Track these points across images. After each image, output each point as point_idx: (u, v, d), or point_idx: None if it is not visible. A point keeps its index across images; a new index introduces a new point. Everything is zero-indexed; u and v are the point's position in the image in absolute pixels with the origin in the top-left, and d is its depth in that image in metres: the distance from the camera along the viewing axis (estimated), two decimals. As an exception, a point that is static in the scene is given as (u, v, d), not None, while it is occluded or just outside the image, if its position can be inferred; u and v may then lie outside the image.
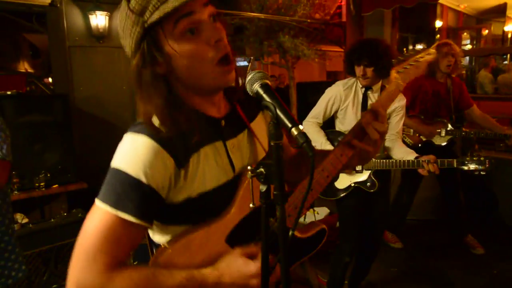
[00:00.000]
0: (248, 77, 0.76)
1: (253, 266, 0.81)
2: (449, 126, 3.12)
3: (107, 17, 3.53)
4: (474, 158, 2.13)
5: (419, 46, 8.69)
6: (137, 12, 0.76)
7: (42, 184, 2.97)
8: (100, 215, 0.78)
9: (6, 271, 1.48)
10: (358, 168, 2.25)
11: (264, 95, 0.71)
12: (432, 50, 1.11)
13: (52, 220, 2.91)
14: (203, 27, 0.79)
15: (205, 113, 0.90)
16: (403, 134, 3.16)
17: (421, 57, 1.08)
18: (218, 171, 0.90)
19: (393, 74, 1.05)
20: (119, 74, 3.75)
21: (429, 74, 3.16)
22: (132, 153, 0.80)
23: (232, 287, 0.84)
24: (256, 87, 0.73)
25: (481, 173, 2.11)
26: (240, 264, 0.82)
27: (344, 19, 5.50)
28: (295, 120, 0.65)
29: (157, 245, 0.94)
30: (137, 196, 0.78)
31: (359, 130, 0.97)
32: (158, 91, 0.82)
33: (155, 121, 0.84)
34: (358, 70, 2.18)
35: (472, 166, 2.12)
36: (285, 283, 0.70)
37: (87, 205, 3.18)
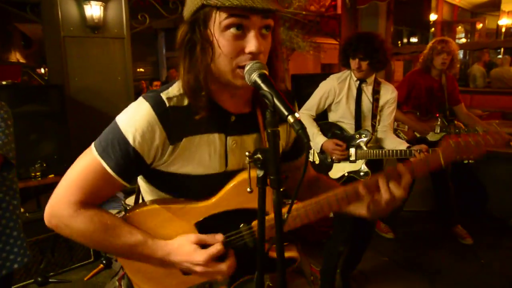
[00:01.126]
0: (247, 67, 0.79)
1: (201, 256, 0.86)
2: (443, 123, 3.16)
3: (102, 7, 3.51)
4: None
5: (413, 39, 8.72)
6: None
7: (38, 174, 2.98)
8: (88, 156, 0.88)
9: (12, 255, 1.51)
10: (352, 157, 2.29)
11: (262, 85, 0.74)
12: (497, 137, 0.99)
13: (48, 210, 2.93)
14: (247, 34, 0.81)
15: (218, 103, 0.92)
16: (397, 130, 3.21)
17: (487, 140, 0.99)
18: (210, 161, 0.92)
19: (448, 142, 0.98)
20: (114, 65, 3.73)
21: (424, 70, 3.19)
22: (132, 115, 0.86)
23: (178, 266, 0.90)
24: (254, 76, 0.76)
25: (470, 161, 2.16)
26: (190, 250, 0.87)
27: (339, 11, 5.51)
28: (291, 108, 0.68)
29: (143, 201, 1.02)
30: (121, 153, 0.85)
31: (373, 183, 0.93)
32: (190, 59, 0.85)
33: (172, 90, 0.89)
34: (353, 63, 2.21)
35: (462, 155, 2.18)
36: (281, 269, 0.74)
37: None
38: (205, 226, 0.93)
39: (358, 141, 2.30)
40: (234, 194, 0.92)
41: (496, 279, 2.82)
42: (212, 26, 0.81)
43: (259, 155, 0.73)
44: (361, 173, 2.29)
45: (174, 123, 0.87)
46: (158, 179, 0.94)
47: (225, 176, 0.94)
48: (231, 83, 0.86)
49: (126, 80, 3.82)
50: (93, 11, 3.46)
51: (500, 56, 8.22)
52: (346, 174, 2.32)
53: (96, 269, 3.00)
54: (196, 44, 0.83)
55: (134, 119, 0.85)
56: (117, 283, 2.80)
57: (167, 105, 0.87)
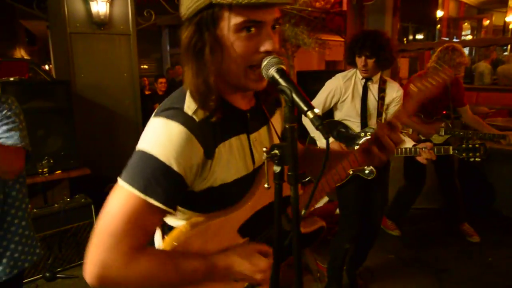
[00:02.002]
0: (264, 62, 0.77)
1: (264, 263, 0.87)
2: (448, 125, 3.15)
3: (108, 4, 3.50)
4: (470, 146, 2.17)
5: (419, 36, 8.66)
6: None
7: (45, 170, 3.00)
8: (126, 197, 0.77)
9: (23, 255, 1.52)
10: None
11: (280, 80, 0.73)
12: (449, 71, 1.11)
13: (56, 205, 2.95)
14: (261, 33, 0.78)
15: (233, 104, 0.90)
16: (402, 133, 3.19)
17: (442, 77, 1.09)
18: (241, 163, 0.91)
19: (412, 88, 1.09)
20: (120, 61, 3.74)
21: None
22: (165, 139, 0.78)
23: (237, 276, 0.87)
24: (272, 71, 0.75)
25: (476, 159, 2.15)
26: (254, 258, 0.87)
27: (344, 8, 5.48)
28: (310, 103, 0.68)
29: (170, 227, 0.95)
30: (168, 183, 0.78)
31: (375, 140, 1.03)
32: (199, 64, 0.81)
33: (190, 104, 0.84)
34: (359, 61, 2.20)
35: (468, 153, 2.16)
36: (297, 264, 0.73)
37: (90, 191, 3.25)
38: (247, 228, 0.93)
39: (363, 139, 2.28)
40: (264, 190, 0.87)
41: (504, 277, 2.80)
42: (224, 26, 0.77)
43: (276, 151, 0.72)
44: (366, 171, 2.28)
45: (206, 136, 0.83)
46: (192, 200, 0.90)
47: (253, 175, 0.94)
48: (243, 86, 0.84)
49: (132, 76, 3.82)
50: (99, 7, 3.46)
51: (506, 53, 8.16)
52: (351, 172, 2.31)
53: (103, 264, 3.01)
54: (204, 47, 0.78)
55: (171, 143, 0.78)
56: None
57: (197, 120, 0.82)
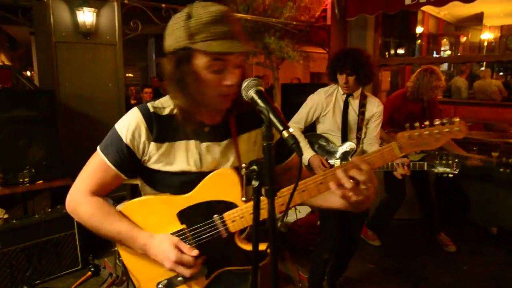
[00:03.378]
0: (244, 84, 0.84)
1: (174, 256, 1.00)
2: None
3: (94, 14, 3.52)
4: (443, 162, 2.26)
5: (400, 51, 8.92)
6: (191, 31, 0.92)
7: (26, 179, 2.95)
8: (95, 156, 1.10)
9: None
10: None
11: (259, 101, 0.79)
12: (456, 129, 1.00)
13: (36, 216, 2.90)
14: (227, 71, 0.97)
15: (197, 117, 1.08)
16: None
17: (445, 131, 1.00)
18: (187, 161, 1.08)
19: (402, 137, 1.02)
20: (106, 71, 3.74)
21: (411, 97, 3.27)
22: (125, 119, 1.09)
23: (153, 258, 1.04)
24: (251, 93, 0.81)
25: (449, 175, 2.25)
26: (170, 249, 1.01)
27: (328, 22, 5.61)
28: (286, 123, 0.73)
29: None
30: (117, 148, 1.06)
31: (333, 175, 0.97)
32: (179, 89, 1.01)
33: (157, 103, 1.10)
34: (341, 78, 2.29)
35: (441, 169, 2.26)
36: (273, 277, 0.78)
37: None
38: (184, 215, 1.08)
39: (342, 153, 2.36)
40: (208, 187, 1.06)
41: (478, 284, 2.91)
42: (196, 63, 0.96)
43: (254, 167, 0.77)
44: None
45: (157, 126, 1.06)
46: (148, 175, 1.12)
47: (201, 176, 1.08)
48: (216, 106, 1.04)
49: (118, 86, 3.83)
50: (86, 17, 3.48)
51: (482, 69, 8.49)
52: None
53: (84, 276, 2.97)
54: (184, 76, 0.97)
55: (127, 121, 1.07)
56: (105, 290, 2.79)
57: (151, 111, 1.08)
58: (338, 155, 2.35)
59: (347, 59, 2.21)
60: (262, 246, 1.03)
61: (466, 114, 6.39)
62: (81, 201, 1.08)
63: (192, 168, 1.08)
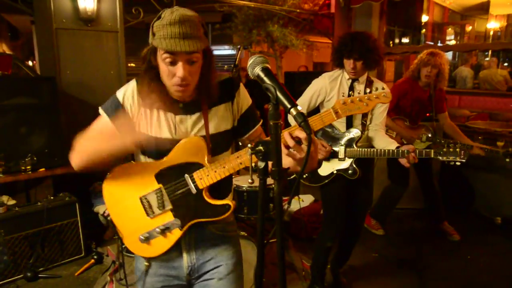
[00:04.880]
0: (250, 61, 0.80)
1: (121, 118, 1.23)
2: (430, 132, 3.23)
3: (95, 0, 3.47)
4: (451, 149, 2.22)
5: (405, 40, 8.80)
6: (154, 31, 1.12)
7: (28, 167, 2.94)
8: (99, 118, 1.27)
9: None
10: (341, 156, 2.32)
11: (265, 78, 0.76)
12: (383, 95, 1.19)
13: (39, 204, 2.90)
14: (176, 65, 1.13)
15: (172, 96, 1.24)
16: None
17: (374, 97, 1.17)
18: (164, 129, 1.24)
19: (338, 103, 1.17)
20: (108, 59, 3.69)
21: (412, 79, 3.23)
22: (124, 86, 1.28)
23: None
24: (257, 70, 0.78)
25: (457, 163, 2.21)
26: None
27: (332, 10, 5.53)
28: (294, 101, 0.70)
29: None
30: (115, 107, 1.24)
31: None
32: (149, 76, 1.21)
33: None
34: (348, 63, 2.23)
35: (448, 157, 2.22)
36: (280, 258, 0.75)
37: (74, 189, 3.18)
38: (161, 176, 1.25)
39: (347, 139, 2.32)
40: (180, 152, 1.23)
41: (482, 274, 2.90)
42: (158, 56, 1.16)
43: (260, 147, 0.75)
44: (350, 171, 2.32)
45: (146, 93, 1.21)
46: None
47: (175, 142, 1.24)
48: (173, 94, 1.21)
49: (119, 74, 3.79)
50: (86, 3, 3.42)
51: (487, 59, 8.38)
52: (335, 172, 2.34)
53: (87, 264, 2.98)
54: (152, 65, 1.18)
55: (124, 88, 1.27)
56: (108, 278, 2.79)
57: (145, 81, 1.23)
58: (343, 141, 2.32)
59: (354, 43, 2.15)
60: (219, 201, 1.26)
61: (471, 104, 6.32)
62: (80, 144, 1.24)
63: (167, 135, 1.24)
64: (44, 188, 3.66)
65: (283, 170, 0.73)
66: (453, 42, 9.27)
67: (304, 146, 1.01)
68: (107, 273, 2.87)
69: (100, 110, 1.27)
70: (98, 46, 3.62)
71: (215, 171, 1.19)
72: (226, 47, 8.54)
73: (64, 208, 2.99)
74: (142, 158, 1.31)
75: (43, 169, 3.04)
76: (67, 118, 3.34)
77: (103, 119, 1.25)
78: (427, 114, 3.37)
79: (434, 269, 2.97)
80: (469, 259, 3.11)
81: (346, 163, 2.32)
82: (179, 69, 1.12)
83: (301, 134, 0.99)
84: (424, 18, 8.46)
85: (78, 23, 3.48)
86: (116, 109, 1.23)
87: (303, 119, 0.67)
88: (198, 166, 1.22)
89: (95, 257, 3.03)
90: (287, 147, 1.02)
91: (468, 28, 9.49)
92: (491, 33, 8.97)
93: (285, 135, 1.02)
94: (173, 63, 1.12)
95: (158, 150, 1.24)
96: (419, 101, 3.25)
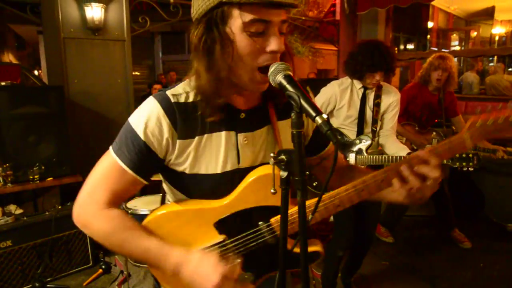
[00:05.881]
0: (272, 69, 0.78)
1: (216, 281, 0.81)
2: (440, 136, 3.19)
3: (103, 9, 3.49)
4: (463, 155, 2.18)
5: (410, 46, 8.81)
6: None
7: (36, 176, 2.94)
8: (107, 157, 0.92)
9: None
10: (351, 163, 2.30)
11: (288, 86, 0.74)
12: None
13: (47, 213, 2.89)
14: (268, 33, 0.81)
15: (228, 102, 0.91)
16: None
17: None
18: (222, 159, 0.92)
19: (472, 121, 0.88)
20: (115, 67, 3.71)
21: (422, 84, 3.22)
22: (141, 111, 0.90)
23: (186, 280, 0.85)
24: (279, 78, 0.76)
25: (469, 169, 2.17)
26: (211, 272, 0.82)
27: (338, 17, 5.54)
28: (318, 109, 0.68)
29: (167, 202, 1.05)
30: (134, 149, 0.88)
31: (395, 169, 0.89)
32: (207, 61, 0.84)
33: (175, 89, 0.92)
34: (373, 76, 2.14)
35: (461, 163, 2.18)
36: (303, 271, 0.73)
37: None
38: (224, 225, 0.94)
39: (358, 147, 2.30)
40: (251, 192, 0.93)
41: (495, 282, 2.83)
42: (232, 24, 0.80)
43: (283, 157, 0.73)
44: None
45: (181, 119, 0.88)
46: (173, 178, 0.96)
47: (239, 174, 0.94)
48: (244, 85, 0.87)
49: (126, 83, 3.80)
50: (94, 12, 3.45)
51: (492, 64, 8.35)
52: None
53: (95, 274, 2.96)
54: (214, 43, 0.81)
55: (143, 115, 0.89)
56: (117, 287, 2.77)
57: (172, 101, 0.89)
58: (354, 149, 2.30)
59: (380, 56, 2.07)
60: (313, 247, 0.97)
61: (478, 110, 6.28)
62: (95, 215, 0.90)
63: (228, 167, 0.92)
64: (51, 197, 3.65)
65: (307, 180, 0.71)
66: (457, 48, 9.26)
67: (430, 183, 0.84)
68: (115, 283, 2.85)
69: (113, 155, 0.90)
70: (105, 55, 3.64)
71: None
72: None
73: (71, 217, 2.97)
74: (182, 195, 0.97)
75: (51, 178, 3.04)
76: (75, 127, 3.36)
77: (116, 165, 0.89)
78: (436, 120, 3.35)
79: (446, 278, 2.91)
80: (481, 267, 3.05)
81: (356, 171, 2.30)
82: (274, 39, 0.80)
83: (432, 173, 0.82)
84: (430, 24, 8.47)
85: (85, 32, 3.51)
86: (138, 151, 0.88)
87: (329, 128, 0.65)
88: (275, 209, 0.91)
89: (103, 267, 3.01)
90: (404, 181, 0.84)
91: (473, 34, 9.49)
92: (496, 38, 8.96)
93: (404, 170, 0.84)
94: (260, 33, 0.80)
95: (213, 190, 0.93)
96: (428, 106, 3.22)
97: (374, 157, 2.25)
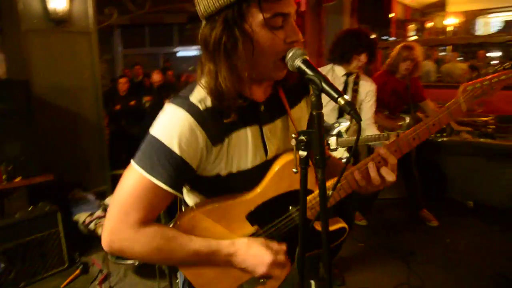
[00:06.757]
0: (290, 54, 0.81)
1: (270, 258, 0.89)
2: (409, 120, 3.37)
3: (66, 0, 3.32)
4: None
5: (372, 36, 9.11)
6: None
7: (3, 177, 2.77)
8: (136, 177, 0.86)
9: None
10: (333, 146, 2.37)
11: (307, 70, 0.76)
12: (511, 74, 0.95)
13: (17, 215, 2.74)
14: (287, 24, 0.83)
15: (247, 96, 0.91)
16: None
17: (502, 78, 0.95)
18: (251, 154, 0.93)
19: (463, 91, 0.97)
20: (81, 60, 3.55)
21: (390, 72, 3.37)
22: (170, 125, 0.85)
23: (239, 266, 0.91)
24: (298, 62, 0.78)
25: (443, 139, 2.32)
26: (262, 251, 0.90)
27: (303, 8, 5.61)
28: (339, 91, 0.71)
29: (187, 205, 1.03)
30: (170, 165, 0.85)
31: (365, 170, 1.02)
32: (229, 61, 0.83)
33: (197, 94, 0.88)
34: (360, 58, 2.27)
35: (435, 133, 2.32)
36: (325, 246, 0.77)
37: (52, 197, 3.02)
38: (255, 216, 0.96)
39: (338, 129, 2.38)
40: (278, 179, 0.96)
41: (462, 255, 3.06)
42: (252, 22, 0.80)
43: (302, 137, 0.75)
44: (343, 160, 2.38)
45: (212, 125, 0.87)
46: (204, 184, 0.95)
47: (266, 165, 0.96)
48: (268, 76, 0.89)
49: (94, 76, 3.66)
50: (57, 4, 3.27)
51: (444, 53, 8.84)
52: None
53: (72, 275, 2.86)
54: (236, 43, 0.81)
55: (174, 128, 0.84)
56: (98, 287, 2.69)
57: (201, 108, 0.86)
58: (333, 132, 2.37)
59: (366, 38, 2.21)
60: (336, 225, 1.07)
61: (436, 97, 6.65)
62: (133, 239, 0.86)
63: (257, 160, 0.94)
64: (17, 197, 3.45)
65: (326, 158, 0.74)
66: (414, 38, 9.72)
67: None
68: (95, 282, 2.77)
69: (144, 173, 0.84)
70: (71, 48, 3.48)
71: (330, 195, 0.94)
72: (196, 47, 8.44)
73: (44, 218, 2.84)
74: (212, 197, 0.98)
75: (20, 177, 2.88)
76: (42, 123, 3.18)
77: (151, 185, 0.84)
78: (404, 106, 3.52)
79: (416, 255, 3.10)
80: (448, 243, 3.27)
81: (339, 153, 2.38)
82: (293, 30, 0.83)
83: (392, 160, 0.94)
84: (391, 15, 8.81)
85: (48, 24, 3.32)
86: (175, 167, 0.85)
87: (352, 108, 0.69)
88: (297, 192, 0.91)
89: (80, 267, 2.91)
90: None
91: (429, 25, 9.99)
92: (450, 28, 9.49)
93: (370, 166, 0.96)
94: (280, 26, 0.82)
95: (245, 186, 0.95)
96: (396, 93, 3.38)
97: (353, 138, 2.34)
